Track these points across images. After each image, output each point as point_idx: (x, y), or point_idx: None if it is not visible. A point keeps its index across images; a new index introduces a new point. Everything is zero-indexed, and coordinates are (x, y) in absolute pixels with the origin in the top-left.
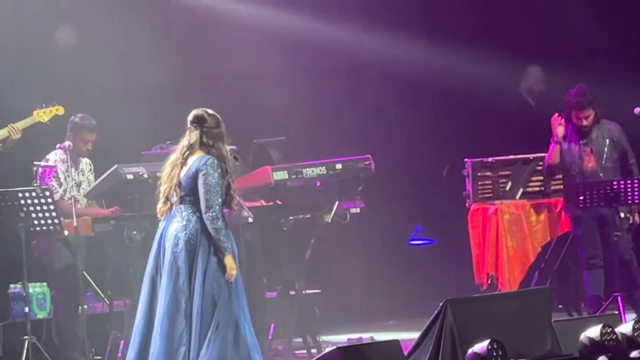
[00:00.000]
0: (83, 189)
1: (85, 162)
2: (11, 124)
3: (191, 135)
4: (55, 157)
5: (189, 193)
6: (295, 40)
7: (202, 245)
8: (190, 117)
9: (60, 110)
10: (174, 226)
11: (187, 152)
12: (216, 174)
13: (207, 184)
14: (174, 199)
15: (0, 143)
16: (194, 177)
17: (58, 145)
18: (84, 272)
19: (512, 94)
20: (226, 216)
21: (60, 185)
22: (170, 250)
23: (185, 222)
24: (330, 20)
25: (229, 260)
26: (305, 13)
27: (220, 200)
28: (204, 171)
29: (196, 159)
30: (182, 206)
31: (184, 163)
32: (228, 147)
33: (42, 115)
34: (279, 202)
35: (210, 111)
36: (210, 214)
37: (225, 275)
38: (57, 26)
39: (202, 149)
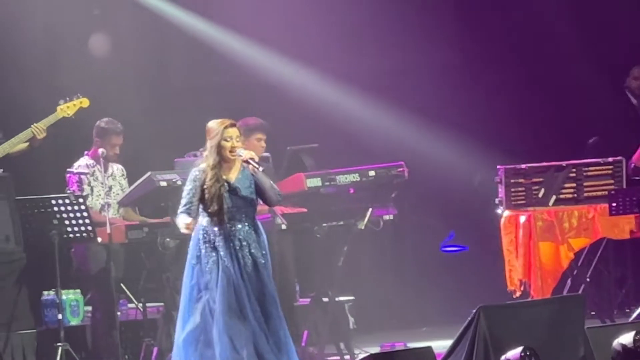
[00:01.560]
0: (114, 193)
1: (117, 168)
2: (35, 124)
3: None
4: (81, 163)
5: None
6: (330, 47)
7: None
8: None
9: (85, 103)
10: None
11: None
12: (188, 181)
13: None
14: None
15: (27, 143)
16: None
17: (85, 152)
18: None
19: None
20: (261, 223)
21: (83, 191)
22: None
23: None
24: (360, 24)
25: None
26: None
27: (183, 204)
28: None
29: None
30: None
31: None
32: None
33: (66, 109)
34: (304, 210)
35: (213, 120)
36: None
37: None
38: (90, 34)
39: (205, 159)
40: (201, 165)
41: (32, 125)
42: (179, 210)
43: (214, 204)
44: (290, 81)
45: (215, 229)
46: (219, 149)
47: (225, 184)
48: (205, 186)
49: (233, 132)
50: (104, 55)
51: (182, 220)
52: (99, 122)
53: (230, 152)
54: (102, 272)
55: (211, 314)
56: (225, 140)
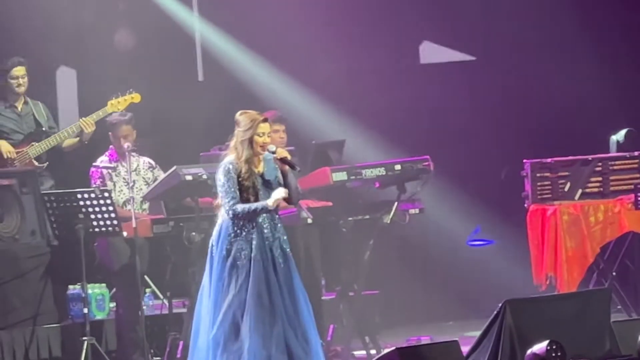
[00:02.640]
0: (137, 188)
1: (142, 162)
2: (82, 118)
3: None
4: (104, 159)
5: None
6: (359, 41)
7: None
8: None
9: (136, 98)
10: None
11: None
12: (221, 175)
13: (218, 187)
14: None
15: (77, 138)
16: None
17: (110, 147)
18: (144, 275)
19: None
20: (282, 217)
21: (106, 186)
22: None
23: (219, 226)
24: (392, 19)
25: (273, 197)
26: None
27: (230, 197)
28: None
29: None
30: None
31: None
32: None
33: (117, 104)
34: (330, 204)
35: (244, 112)
36: (229, 214)
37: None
38: (115, 29)
39: (232, 151)
40: (229, 157)
41: (79, 120)
42: (228, 207)
43: (250, 196)
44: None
45: (247, 221)
46: (252, 143)
47: (258, 177)
48: (240, 179)
49: (265, 127)
50: (129, 49)
51: (279, 195)
52: (108, 118)
53: (262, 147)
54: (126, 267)
55: (240, 309)
56: (259, 135)
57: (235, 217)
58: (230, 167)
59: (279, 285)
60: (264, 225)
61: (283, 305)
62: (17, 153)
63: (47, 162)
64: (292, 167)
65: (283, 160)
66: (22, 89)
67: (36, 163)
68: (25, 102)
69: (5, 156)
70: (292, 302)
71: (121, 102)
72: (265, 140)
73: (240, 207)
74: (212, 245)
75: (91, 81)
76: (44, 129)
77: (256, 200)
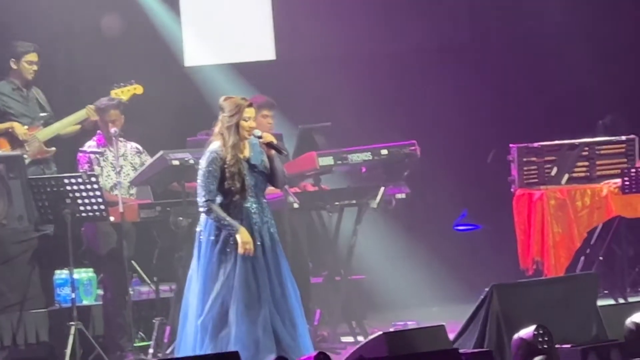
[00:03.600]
0: (124, 173)
1: (130, 147)
2: (89, 105)
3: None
4: (92, 143)
5: None
6: (341, 26)
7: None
8: None
9: (139, 90)
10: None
11: (211, 141)
12: (204, 166)
13: (198, 177)
14: None
15: (79, 124)
16: None
17: (98, 132)
18: (131, 259)
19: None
20: (268, 202)
21: (93, 171)
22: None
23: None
24: (373, 4)
25: (241, 235)
26: None
27: (206, 192)
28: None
29: None
30: None
31: None
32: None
33: (120, 94)
34: (325, 188)
35: (229, 98)
36: (202, 209)
37: (239, 250)
38: (102, 13)
39: (217, 137)
40: (215, 145)
41: (86, 106)
42: (202, 202)
43: (235, 182)
44: (301, 58)
45: (234, 207)
46: (238, 128)
47: (244, 162)
48: (226, 166)
49: (251, 112)
50: (116, 35)
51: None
52: (97, 103)
53: (248, 132)
54: (113, 252)
55: (229, 295)
56: (245, 120)
57: (207, 214)
58: (215, 155)
59: (267, 270)
60: (252, 210)
61: (271, 290)
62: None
63: (54, 148)
64: (279, 151)
65: (269, 145)
66: (33, 76)
67: (44, 148)
68: (29, 87)
69: (21, 138)
70: (279, 287)
71: (124, 92)
72: (251, 125)
73: (215, 210)
74: (201, 231)
75: (78, 67)
76: (45, 114)
77: (242, 186)
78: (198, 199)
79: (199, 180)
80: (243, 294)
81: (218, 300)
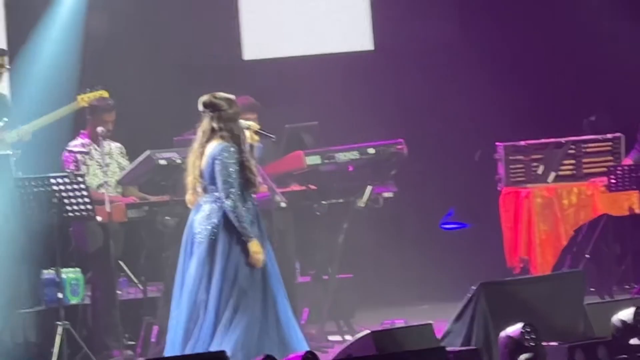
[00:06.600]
0: (111, 171)
1: (114, 146)
2: (82, 95)
3: (203, 123)
4: (77, 142)
5: (211, 182)
6: (329, 26)
7: (224, 234)
8: (199, 105)
9: (105, 94)
10: (199, 216)
11: (204, 141)
12: (232, 161)
13: (223, 172)
14: (199, 189)
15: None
16: (212, 166)
17: (81, 131)
18: (118, 259)
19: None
20: (257, 201)
21: (80, 170)
22: (195, 241)
23: (208, 212)
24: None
25: (253, 245)
26: None
27: (237, 187)
28: (219, 160)
29: (212, 147)
30: (206, 196)
31: (202, 152)
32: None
33: (87, 100)
34: (312, 187)
35: (218, 94)
36: (229, 202)
37: (249, 259)
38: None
39: (215, 135)
40: (225, 143)
41: (79, 96)
42: (233, 197)
43: (251, 175)
44: (290, 59)
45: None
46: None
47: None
48: (246, 162)
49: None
50: (101, 32)
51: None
52: (95, 102)
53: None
54: (101, 251)
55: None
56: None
57: (231, 209)
58: (234, 149)
59: (255, 270)
60: (256, 206)
61: (261, 289)
62: None
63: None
64: (269, 137)
65: (258, 132)
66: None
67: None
68: None
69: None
70: (267, 286)
71: (91, 98)
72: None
73: (240, 209)
74: (196, 233)
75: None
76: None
77: (254, 176)
78: (226, 191)
79: (226, 172)
80: (234, 295)
81: (211, 301)
